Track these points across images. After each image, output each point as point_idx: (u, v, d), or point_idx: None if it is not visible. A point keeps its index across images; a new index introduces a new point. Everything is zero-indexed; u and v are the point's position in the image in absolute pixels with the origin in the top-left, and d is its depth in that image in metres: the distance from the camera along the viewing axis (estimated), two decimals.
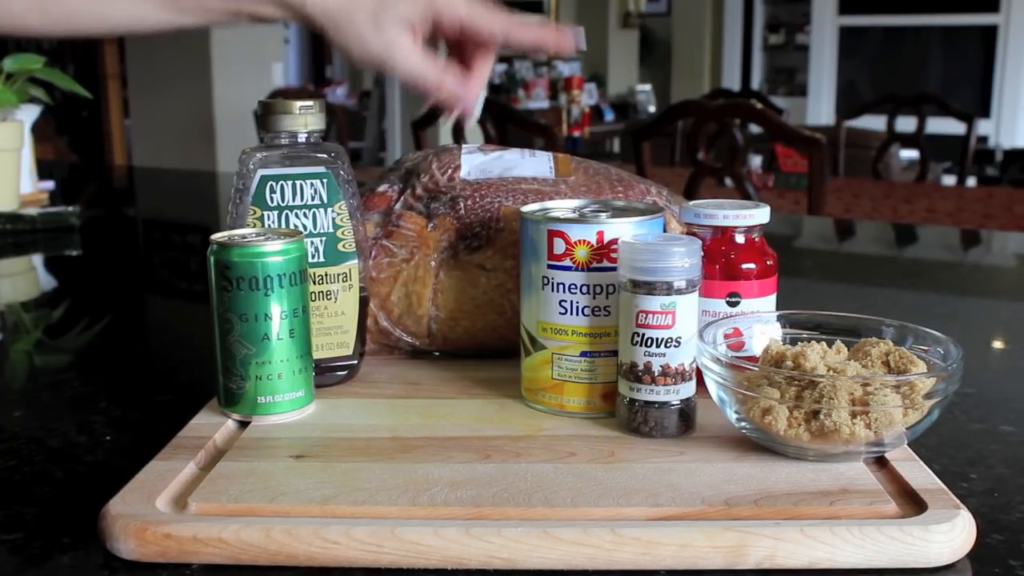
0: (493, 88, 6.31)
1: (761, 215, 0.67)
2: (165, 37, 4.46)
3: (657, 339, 0.59)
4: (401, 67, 0.64)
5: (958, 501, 0.51)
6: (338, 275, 0.70)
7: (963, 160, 2.96)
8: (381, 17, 0.63)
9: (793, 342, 0.64)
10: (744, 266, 0.67)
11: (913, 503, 0.52)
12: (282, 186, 0.69)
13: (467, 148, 0.80)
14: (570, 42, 0.66)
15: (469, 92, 0.67)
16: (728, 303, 0.67)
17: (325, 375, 0.70)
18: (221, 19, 0.65)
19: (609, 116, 6.43)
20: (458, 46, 0.69)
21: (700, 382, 0.61)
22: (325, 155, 0.70)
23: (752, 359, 0.62)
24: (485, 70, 0.70)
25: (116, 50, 4.74)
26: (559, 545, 0.48)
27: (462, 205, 0.75)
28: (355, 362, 0.72)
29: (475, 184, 0.76)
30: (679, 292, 0.59)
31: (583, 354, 0.64)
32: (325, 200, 0.69)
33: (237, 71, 4.44)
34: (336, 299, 0.71)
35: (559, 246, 0.63)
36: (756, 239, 0.68)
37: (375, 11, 0.63)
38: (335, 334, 0.71)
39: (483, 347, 0.76)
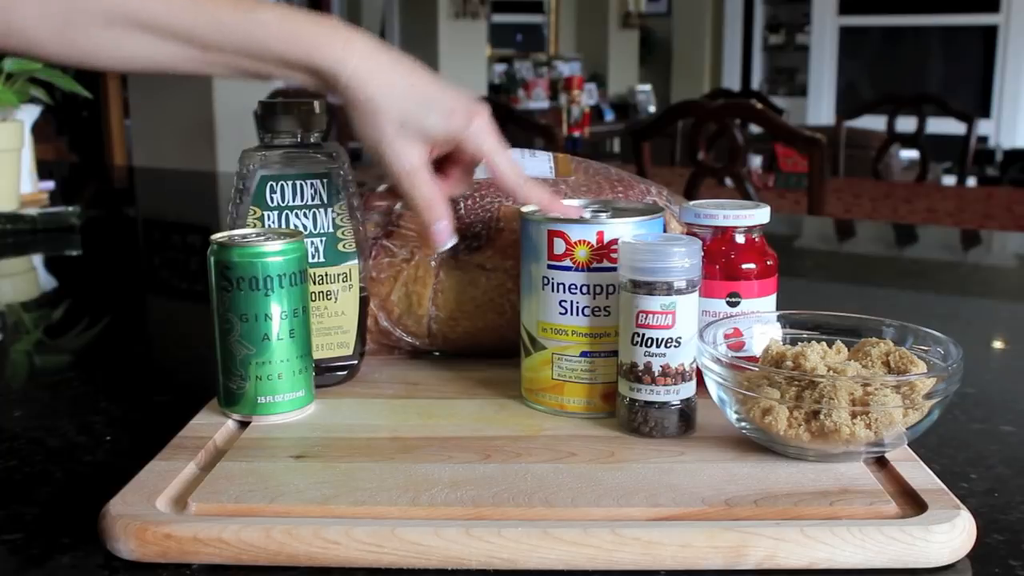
0: (493, 88, 6.31)
1: (761, 215, 0.67)
2: None
3: (657, 339, 0.59)
4: (400, 175, 0.64)
5: (958, 501, 0.51)
6: (338, 275, 0.70)
7: (963, 160, 2.96)
8: (409, 123, 0.62)
9: (793, 342, 0.64)
10: (744, 266, 0.67)
11: (913, 503, 0.52)
12: (282, 186, 0.69)
13: None
14: (576, 212, 0.65)
15: (451, 227, 0.65)
16: (728, 303, 0.67)
17: (325, 375, 0.70)
18: (247, 77, 0.63)
19: (609, 116, 6.43)
20: (446, 158, 0.67)
21: (700, 382, 0.61)
22: (325, 155, 0.70)
23: (752, 359, 0.62)
24: (466, 183, 0.69)
25: None
26: (559, 545, 0.48)
27: (462, 205, 0.75)
28: (355, 362, 0.72)
29: (475, 184, 0.76)
30: (679, 292, 0.59)
31: (583, 354, 0.64)
32: (325, 200, 0.69)
33: None
34: (336, 299, 0.70)
35: (559, 246, 0.63)
36: (756, 239, 0.68)
37: (405, 116, 0.62)
38: (335, 334, 0.71)
39: (483, 347, 0.76)
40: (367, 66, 0.61)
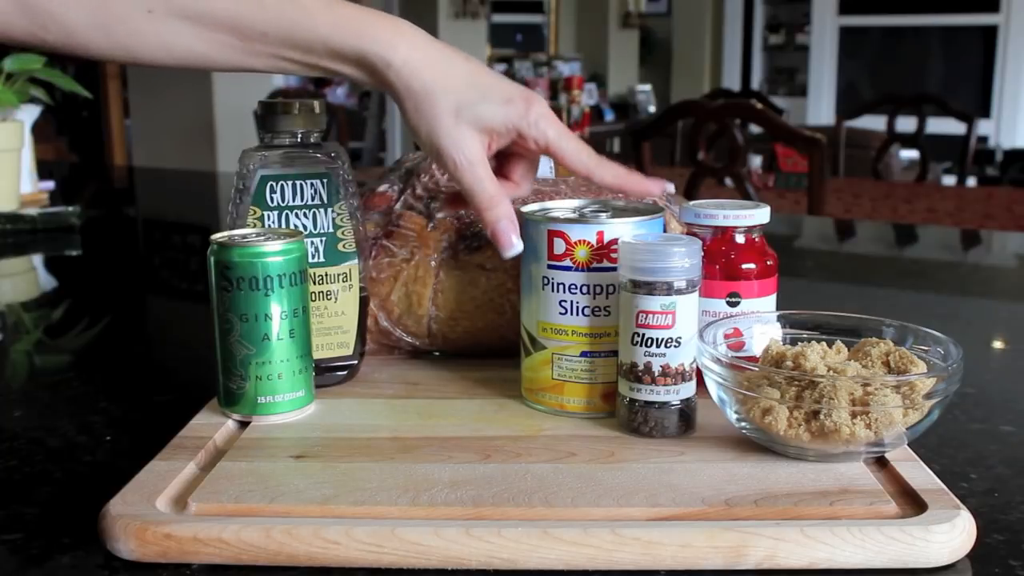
0: None
1: (761, 215, 0.67)
2: None
3: (657, 339, 0.59)
4: (460, 168, 0.60)
5: (958, 501, 0.51)
6: (338, 275, 0.70)
7: (963, 160, 2.96)
8: (463, 113, 0.59)
9: (793, 342, 0.64)
10: (744, 266, 0.67)
11: (913, 503, 0.52)
12: (282, 186, 0.69)
13: None
14: (657, 189, 0.62)
15: (512, 220, 0.62)
16: (728, 303, 0.67)
17: (325, 375, 0.70)
18: (293, 70, 0.61)
19: (609, 116, 6.43)
20: (506, 153, 0.64)
21: (700, 382, 0.61)
22: (325, 155, 0.70)
23: (752, 359, 0.62)
24: (527, 184, 0.65)
25: None
26: (559, 545, 0.48)
27: None
28: (355, 362, 0.72)
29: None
30: (679, 292, 0.59)
31: (583, 354, 0.64)
32: (325, 200, 0.69)
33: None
34: (336, 299, 0.71)
35: (559, 246, 0.63)
36: (756, 239, 0.68)
37: (459, 102, 0.59)
38: (335, 334, 0.71)
39: (483, 347, 0.76)
40: (419, 54, 0.59)
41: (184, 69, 0.60)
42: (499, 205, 0.61)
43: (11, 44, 0.59)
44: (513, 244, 0.62)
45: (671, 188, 0.62)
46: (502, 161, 0.64)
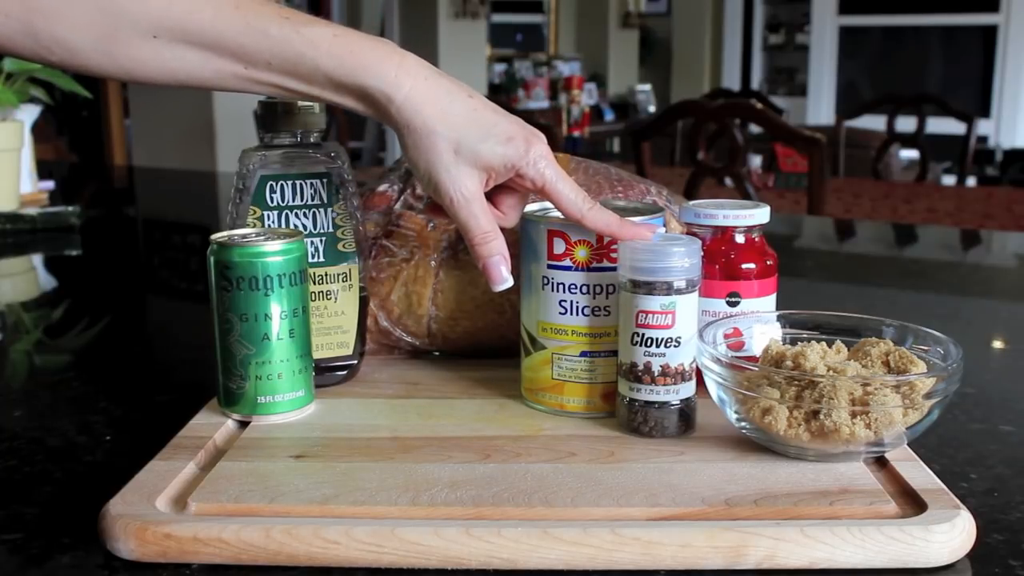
0: (493, 88, 6.31)
1: (761, 215, 0.67)
2: None
3: (657, 339, 0.59)
4: (456, 204, 0.61)
5: (958, 501, 0.51)
6: (338, 275, 0.70)
7: (963, 160, 2.96)
8: (462, 150, 0.59)
9: (793, 342, 0.64)
10: (744, 266, 0.67)
11: (913, 503, 0.52)
12: (282, 186, 0.69)
13: None
14: (648, 235, 0.61)
15: (507, 263, 0.63)
16: (728, 303, 0.67)
17: (325, 375, 0.70)
18: (296, 98, 0.61)
19: (609, 116, 6.43)
20: (500, 185, 0.64)
21: (700, 382, 0.61)
22: (325, 155, 0.70)
23: (752, 359, 0.62)
24: (515, 216, 0.65)
25: None
26: (559, 545, 0.48)
27: None
28: (355, 362, 0.72)
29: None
30: (679, 292, 0.59)
31: (583, 354, 0.64)
32: (325, 200, 0.69)
33: None
34: (336, 299, 0.71)
35: (559, 246, 0.63)
36: (756, 239, 0.68)
37: (459, 140, 0.59)
38: (335, 334, 0.71)
39: (483, 347, 0.76)
40: (421, 89, 0.59)
41: (185, 89, 0.60)
42: (492, 241, 0.62)
43: (15, 56, 0.59)
44: (504, 279, 0.63)
45: (661, 231, 0.63)
46: (494, 191, 0.64)
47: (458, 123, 0.59)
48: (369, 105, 0.59)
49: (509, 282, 0.63)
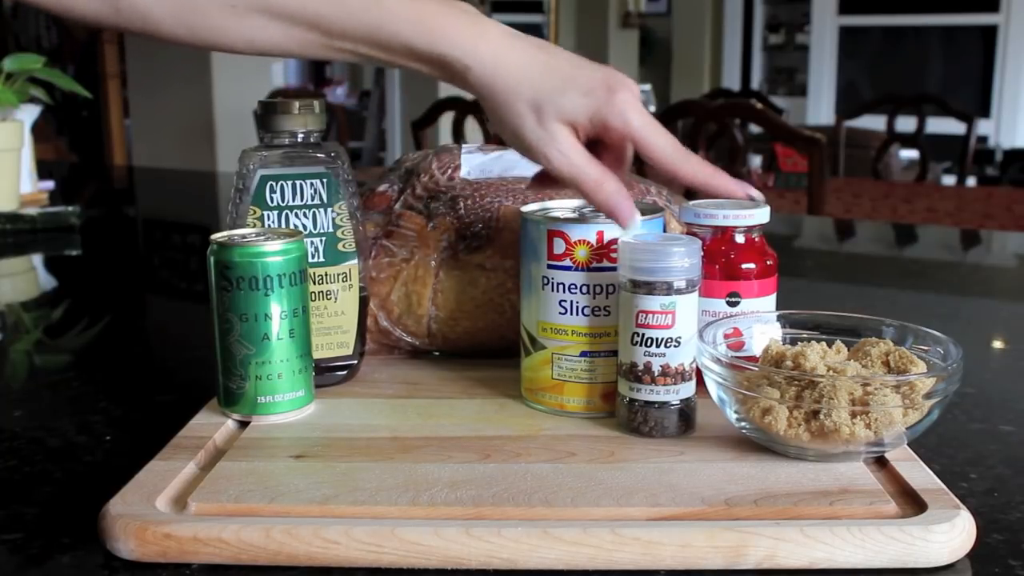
0: None
1: (761, 215, 0.67)
2: None
3: (657, 339, 0.59)
4: (556, 162, 0.59)
5: (958, 501, 0.51)
6: (338, 275, 0.70)
7: (963, 160, 2.96)
8: (544, 107, 0.58)
9: (793, 342, 0.64)
10: (744, 266, 0.67)
11: (913, 503, 0.52)
12: (282, 186, 0.69)
13: (467, 148, 0.80)
14: (741, 193, 0.61)
15: (630, 199, 0.60)
16: (728, 303, 0.67)
17: (325, 375, 0.70)
18: (372, 64, 0.61)
19: None
20: (591, 144, 0.62)
21: (700, 382, 0.61)
22: (325, 155, 0.70)
23: (752, 359, 0.62)
24: (620, 176, 0.63)
25: (116, 50, 4.74)
26: (559, 545, 0.48)
27: (462, 205, 0.75)
28: (355, 362, 0.72)
29: (475, 184, 0.76)
30: (679, 292, 0.59)
31: (583, 354, 0.64)
32: (325, 200, 0.69)
33: (237, 71, 4.44)
34: (336, 299, 0.71)
35: (559, 246, 0.63)
36: (756, 239, 0.68)
37: (538, 99, 0.58)
38: (335, 334, 0.71)
39: (483, 347, 0.76)
40: (497, 53, 0.58)
41: (263, 55, 0.61)
42: (606, 184, 0.59)
43: (100, 27, 0.60)
44: (634, 216, 0.59)
45: (757, 195, 0.60)
46: (595, 154, 0.62)
47: (535, 82, 0.58)
48: (446, 72, 0.59)
49: (638, 220, 0.60)
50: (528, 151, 0.60)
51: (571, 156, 0.59)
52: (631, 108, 0.59)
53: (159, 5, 0.58)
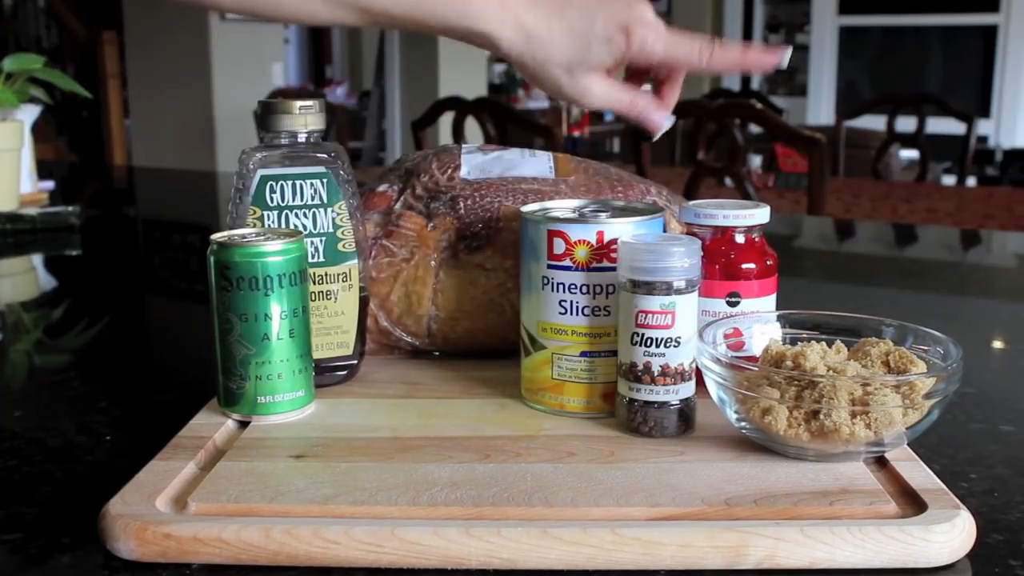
0: (493, 88, 6.31)
1: (761, 215, 0.67)
2: (164, 37, 4.46)
3: (657, 339, 0.59)
4: (595, 103, 0.68)
5: (958, 501, 0.51)
6: (338, 275, 0.70)
7: (963, 160, 2.96)
8: (576, 68, 0.66)
9: (793, 342, 0.64)
10: (744, 266, 0.67)
11: (913, 503, 0.52)
12: (282, 186, 0.69)
13: (467, 148, 0.80)
14: (775, 60, 0.66)
15: (658, 110, 0.70)
16: (728, 303, 0.67)
17: (325, 375, 0.70)
18: (405, 31, 0.68)
19: (609, 116, 6.41)
20: (642, 70, 0.71)
21: (700, 382, 0.61)
22: (325, 155, 0.70)
23: (752, 359, 0.62)
24: (673, 96, 0.71)
25: (116, 50, 4.74)
26: (559, 545, 0.48)
27: (462, 205, 0.75)
28: (355, 362, 0.72)
29: (475, 184, 0.76)
30: (679, 292, 0.59)
31: (583, 354, 0.64)
32: (325, 200, 0.69)
33: (237, 71, 4.45)
34: (336, 299, 0.71)
35: (559, 246, 0.63)
36: (756, 239, 0.68)
37: (570, 63, 0.65)
38: (335, 334, 0.71)
39: (483, 347, 0.76)
40: (523, 24, 0.64)
41: (307, 24, 0.69)
42: (636, 104, 0.69)
43: None
44: (661, 121, 0.69)
45: (786, 61, 0.66)
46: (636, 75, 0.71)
47: (563, 50, 0.65)
48: (480, 44, 0.66)
49: (668, 122, 0.70)
50: (569, 100, 0.68)
51: (606, 96, 0.68)
52: (649, 43, 0.66)
53: None
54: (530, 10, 0.65)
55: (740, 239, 0.68)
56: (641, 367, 0.60)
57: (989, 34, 6.25)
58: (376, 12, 0.65)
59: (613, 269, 0.62)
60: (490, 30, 0.64)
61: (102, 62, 4.68)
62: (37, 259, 1.40)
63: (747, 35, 7.22)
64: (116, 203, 2.09)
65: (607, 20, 0.65)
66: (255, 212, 0.69)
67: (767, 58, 0.65)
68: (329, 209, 0.69)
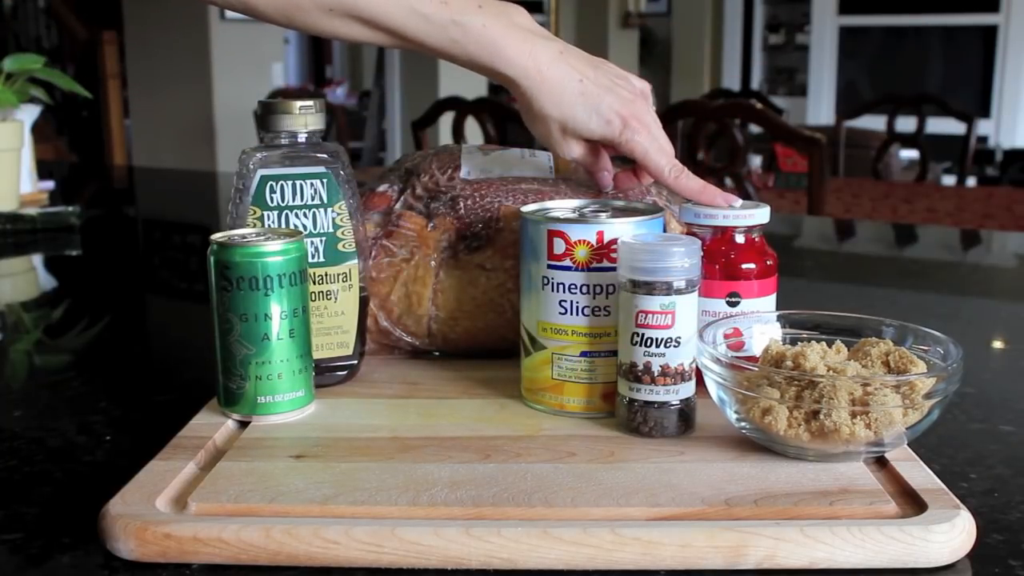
0: (493, 88, 6.31)
1: (761, 215, 0.67)
2: (164, 37, 4.46)
3: (657, 339, 0.59)
4: (569, 157, 0.73)
5: (958, 501, 0.51)
6: (338, 275, 0.70)
7: (963, 160, 2.96)
8: (568, 129, 0.70)
9: (793, 342, 0.64)
10: (744, 266, 0.67)
11: (913, 503, 0.52)
12: (282, 186, 0.69)
13: (467, 148, 0.80)
14: (723, 203, 0.68)
15: (607, 169, 0.75)
16: (728, 303, 0.67)
17: (325, 375, 0.70)
18: (429, 56, 0.71)
19: None
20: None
21: (700, 382, 0.61)
22: (325, 155, 0.70)
23: (752, 359, 0.62)
24: (643, 177, 0.75)
25: (116, 50, 4.74)
26: (559, 545, 0.48)
27: (462, 205, 0.75)
28: (355, 362, 0.72)
29: (475, 184, 0.76)
30: (679, 292, 0.59)
31: (583, 354, 0.64)
32: (325, 200, 0.69)
33: (237, 71, 4.44)
34: (336, 299, 0.71)
35: (559, 246, 0.63)
36: (756, 239, 0.68)
37: (567, 123, 0.70)
38: (335, 334, 0.71)
39: (483, 347, 0.76)
40: (541, 71, 0.69)
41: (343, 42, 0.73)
42: (602, 170, 0.74)
43: (215, 4, 0.70)
44: (606, 186, 0.75)
45: (737, 203, 0.69)
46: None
47: (566, 108, 0.69)
48: (499, 82, 0.70)
49: (610, 185, 0.75)
50: (550, 147, 0.73)
51: (581, 158, 0.73)
52: (637, 143, 0.70)
53: (268, 5, 0.68)
54: (552, 65, 0.69)
55: (740, 239, 0.68)
56: (641, 367, 0.60)
57: (989, 34, 6.25)
58: (411, 40, 0.68)
59: (613, 269, 0.62)
60: (513, 74, 0.69)
61: (102, 62, 4.67)
62: (37, 259, 1.40)
63: (747, 35, 7.22)
64: (116, 203, 2.09)
65: (612, 104, 0.69)
66: (255, 212, 0.69)
67: (719, 199, 0.68)
68: (329, 209, 0.69)
